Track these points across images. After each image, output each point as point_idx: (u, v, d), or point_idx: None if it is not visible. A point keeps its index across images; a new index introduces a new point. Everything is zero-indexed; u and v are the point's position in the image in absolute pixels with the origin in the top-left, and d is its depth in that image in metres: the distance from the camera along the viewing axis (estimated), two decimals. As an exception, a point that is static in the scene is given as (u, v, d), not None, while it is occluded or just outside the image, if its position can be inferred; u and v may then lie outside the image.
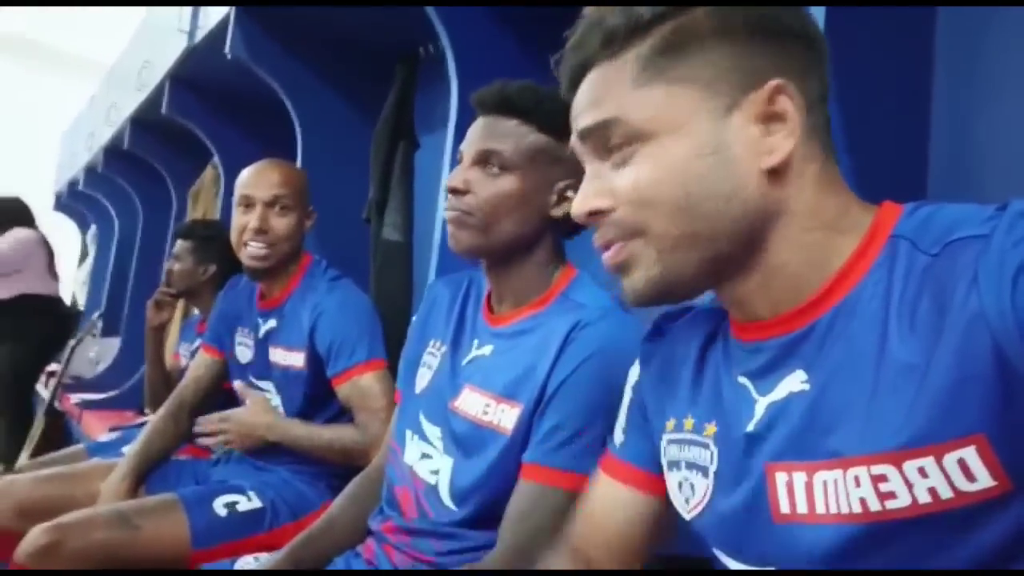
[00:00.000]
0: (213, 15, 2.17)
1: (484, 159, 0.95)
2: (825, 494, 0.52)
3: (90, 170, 4.26)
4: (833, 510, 0.51)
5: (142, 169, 3.59)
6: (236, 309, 1.63)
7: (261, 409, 1.47)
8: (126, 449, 1.68)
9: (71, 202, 5.14)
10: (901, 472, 0.48)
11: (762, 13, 0.56)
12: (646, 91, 0.56)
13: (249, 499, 1.41)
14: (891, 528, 0.49)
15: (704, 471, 0.62)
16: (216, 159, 2.76)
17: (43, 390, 3.65)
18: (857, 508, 0.50)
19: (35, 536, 1.21)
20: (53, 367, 3.65)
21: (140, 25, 3.24)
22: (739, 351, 0.60)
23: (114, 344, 3.72)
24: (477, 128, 0.97)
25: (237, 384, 1.55)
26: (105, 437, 2.16)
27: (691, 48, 0.55)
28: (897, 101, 1.02)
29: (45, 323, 3.89)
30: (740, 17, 0.55)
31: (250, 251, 1.45)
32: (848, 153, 0.86)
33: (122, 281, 3.92)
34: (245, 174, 1.50)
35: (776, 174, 0.54)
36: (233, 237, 1.48)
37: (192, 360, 2.09)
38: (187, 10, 2.39)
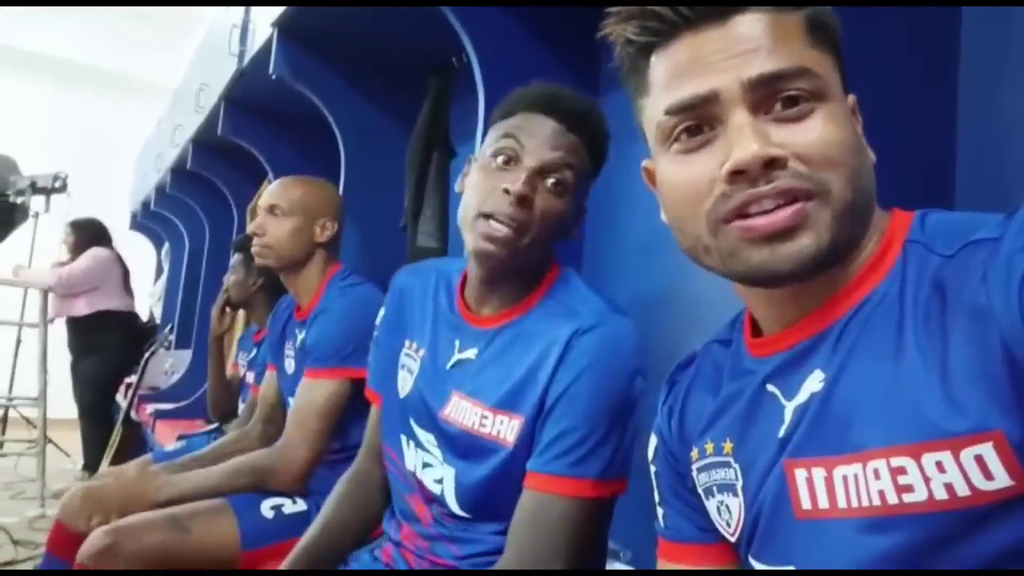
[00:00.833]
0: (259, 36, 2.25)
1: (551, 170, 0.89)
2: (845, 488, 0.52)
3: (160, 190, 4.45)
4: (854, 504, 0.52)
5: (205, 187, 3.74)
6: (282, 324, 1.73)
7: (145, 475, 1.46)
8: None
9: (145, 221, 5.39)
10: (919, 465, 0.48)
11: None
12: (818, 53, 0.55)
13: (294, 502, 1.47)
14: (906, 523, 0.49)
15: (732, 489, 0.62)
16: (271, 175, 2.86)
17: (122, 401, 3.83)
18: (876, 501, 0.50)
19: (94, 539, 1.28)
20: (131, 379, 3.83)
21: (197, 49, 3.38)
22: (761, 365, 0.61)
23: (186, 356, 3.88)
24: (548, 132, 0.90)
25: None
26: (172, 446, 2.27)
27: (831, 29, 0.56)
28: (923, 104, 0.99)
29: (122, 337, 4.11)
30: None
31: (253, 252, 1.61)
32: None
33: (192, 295, 4.09)
34: None
35: None
36: None
37: (247, 371, 2.19)
38: (236, 33, 2.48)
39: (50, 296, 3.77)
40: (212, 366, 2.42)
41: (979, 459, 0.46)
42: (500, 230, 0.88)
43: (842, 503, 0.52)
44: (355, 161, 2.15)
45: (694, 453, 0.67)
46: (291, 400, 1.65)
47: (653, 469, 0.74)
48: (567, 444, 0.87)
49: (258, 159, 2.78)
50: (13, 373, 4.40)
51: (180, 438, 2.38)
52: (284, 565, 1.06)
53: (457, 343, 0.99)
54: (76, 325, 4.08)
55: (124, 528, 1.30)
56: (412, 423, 1.02)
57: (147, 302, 5.31)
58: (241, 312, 2.55)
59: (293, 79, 2.07)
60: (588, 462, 0.86)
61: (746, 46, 0.53)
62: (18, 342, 4.47)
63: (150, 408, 3.32)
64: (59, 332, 4.04)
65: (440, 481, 0.97)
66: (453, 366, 0.98)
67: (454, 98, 2.01)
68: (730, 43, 0.54)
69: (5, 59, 5.99)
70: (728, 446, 0.62)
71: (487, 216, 0.89)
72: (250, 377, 2.15)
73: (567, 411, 0.87)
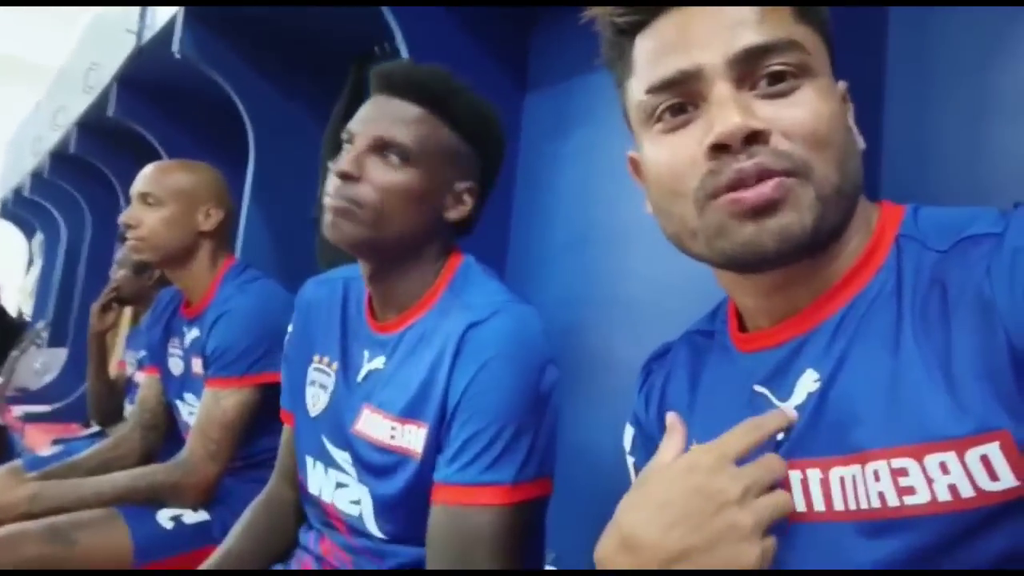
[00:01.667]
0: (161, 15, 2.11)
1: (382, 146, 0.86)
2: (843, 490, 0.51)
3: (36, 176, 4.12)
4: (852, 506, 0.50)
5: (89, 173, 3.48)
6: (166, 321, 1.60)
7: (14, 483, 1.31)
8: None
9: (17, 209, 4.98)
10: (922, 466, 0.47)
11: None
12: (805, 28, 0.53)
13: (195, 511, 1.36)
14: (907, 526, 0.48)
15: None
16: (167, 163, 2.69)
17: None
18: (876, 503, 0.49)
19: (-38, 553, 1.14)
20: (-4, 379, 3.52)
21: (87, 27, 3.15)
22: (748, 361, 0.59)
23: (61, 354, 3.60)
24: (376, 109, 0.88)
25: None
26: (47, 451, 2.08)
27: (820, 11, 0.55)
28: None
29: (-13, 334, 3.77)
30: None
31: (127, 246, 1.49)
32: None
33: (69, 289, 3.80)
34: None
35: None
36: None
37: (137, 370, 2.04)
38: (135, 10, 2.32)
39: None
40: (92, 366, 2.23)
41: (984, 459, 0.45)
42: (332, 209, 0.86)
43: (839, 505, 0.51)
44: (265, 148, 2.04)
45: None
46: (178, 404, 1.54)
47: (631, 460, 0.71)
48: (476, 449, 0.80)
49: (153, 144, 2.60)
50: None
51: (56, 442, 2.19)
52: None
53: (366, 353, 0.93)
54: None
55: (-2, 540, 1.17)
56: (325, 442, 0.95)
57: (15, 297, 4.91)
58: (127, 308, 2.38)
59: (200, 59, 1.94)
60: (501, 465, 0.80)
61: (732, 21, 0.52)
62: None
63: (18, 410, 3.05)
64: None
65: (357, 502, 0.91)
66: (364, 378, 0.93)
67: (373, 89, 1.95)
68: (716, 19, 0.53)
69: None
70: None
71: (325, 204, 0.88)
72: (140, 377, 2.00)
73: (471, 413, 0.81)
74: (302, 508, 1.04)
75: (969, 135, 0.94)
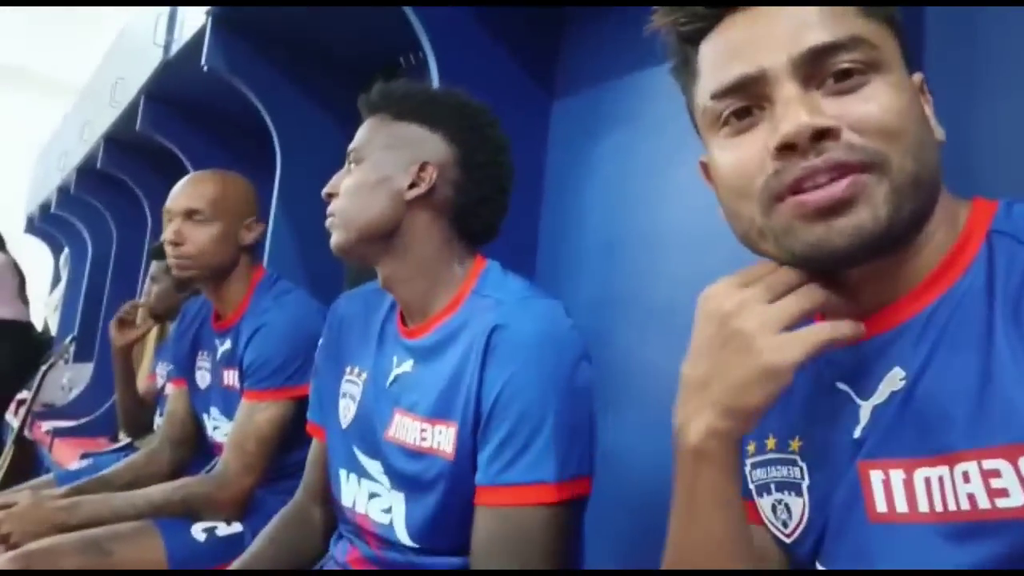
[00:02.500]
0: (188, 27, 2.13)
1: (348, 159, 0.95)
2: (928, 492, 0.50)
3: (63, 191, 4.17)
4: (938, 508, 0.49)
5: (117, 188, 3.51)
6: (194, 333, 1.60)
7: (50, 497, 1.35)
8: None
9: (44, 225, 5.04)
10: (1015, 468, 0.45)
11: None
12: (872, 22, 0.53)
13: (228, 524, 1.35)
14: (997, 529, 0.46)
15: (796, 488, 0.59)
16: (192, 176, 2.70)
17: (12, 419, 3.54)
18: (965, 505, 0.47)
19: (1, 566, 1.14)
20: (23, 395, 3.55)
21: (114, 42, 3.19)
22: (828, 358, 0.57)
23: (87, 370, 3.62)
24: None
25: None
26: (76, 465, 2.08)
27: (888, 6, 0.54)
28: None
29: (15, 349, 3.81)
30: None
31: (171, 263, 1.45)
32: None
33: (95, 304, 3.82)
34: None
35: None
36: None
37: (168, 382, 2.04)
38: (163, 23, 2.34)
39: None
40: (119, 380, 2.24)
41: None
42: (328, 224, 0.95)
43: (923, 507, 0.50)
44: (292, 162, 2.04)
45: (751, 447, 0.63)
46: (205, 418, 1.54)
47: None
48: (515, 449, 0.80)
49: (179, 158, 2.63)
50: None
51: (84, 456, 2.19)
52: None
53: (395, 359, 0.95)
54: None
55: (36, 552, 1.17)
56: (356, 452, 0.96)
57: (42, 312, 4.97)
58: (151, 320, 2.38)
59: (228, 72, 1.95)
60: (544, 465, 0.79)
61: (795, 23, 0.52)
62: None
63: (47, 425, 3.07)
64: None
65: (388, 511, 0.91)
66: (392, 382, 0.93)
67: (400, 100, 1.94)
68: (778, 21, 0.52)
69: None
70: (796, 444, 0.59)
71: None
72: (169, 389, 2.00)
73: (507, 413, 0.81)
74: (327, 525, 1.05)
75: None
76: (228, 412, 1.47)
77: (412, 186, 0.91)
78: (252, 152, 2.40)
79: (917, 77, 0.56)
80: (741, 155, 0.53)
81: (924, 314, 0.53)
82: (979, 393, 0.48)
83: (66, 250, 5.07)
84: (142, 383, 2.33)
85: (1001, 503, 0.46)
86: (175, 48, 2.23)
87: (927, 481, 0.50)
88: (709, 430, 0.52)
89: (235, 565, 1.03)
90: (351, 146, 0.96)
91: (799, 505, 0.59)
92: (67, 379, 3.89)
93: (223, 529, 1.34)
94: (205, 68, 1.96)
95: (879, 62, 0.51)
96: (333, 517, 1.05)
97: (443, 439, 0.86)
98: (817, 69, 0.51)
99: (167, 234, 1.45)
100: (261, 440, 1.34)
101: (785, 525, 0.61)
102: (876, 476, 0.52)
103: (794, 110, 0.50)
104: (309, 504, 1.08)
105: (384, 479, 0.92)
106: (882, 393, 0.54)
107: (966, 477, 0.47)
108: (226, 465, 1.34)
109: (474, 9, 1.48)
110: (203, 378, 1.56)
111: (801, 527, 0.59)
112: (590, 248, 1.47)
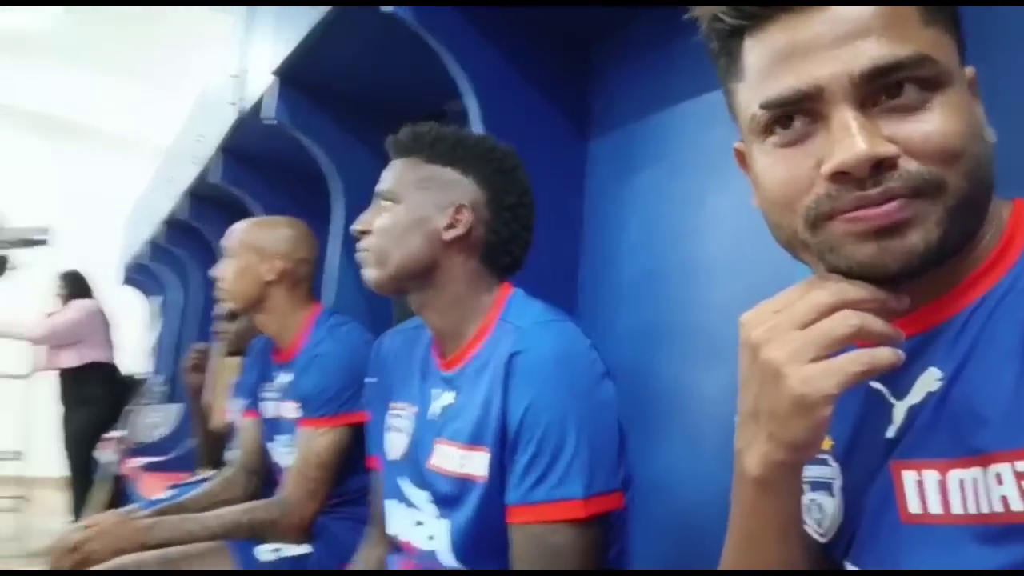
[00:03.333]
0: (255, 86, 2.28)
1: (377, 198, 1.00)
2: (962, 493, 0.49)
3: (153, 243, 4.44)
4: (972, 510, 0.48)
5: (198, 239, 3.73)
6: (259, 367, 1.71)
7: (133, 519, 1.44)
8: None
9: (136, 275, 5.36)
10: None
11: None
12: (936, 32, 0.49)
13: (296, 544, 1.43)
14: None
15: (828, 488, 0.59)
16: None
17: (101, 454, 3.73)
18: (998, 507, 0.46)
19: (81, 581, 1.24)
20: (115, 433, 3.76)
21: (195, 102, 3.42)
22: None
23: (175, 410, 3.80)
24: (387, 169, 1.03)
25: None
26: (162, 495, 2.21)
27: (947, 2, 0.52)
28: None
29: (108, 389, 4.06)
30: None
31: (217, 295, 1.64)
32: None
33: (182, 349, 4.04)
34: None
35: None
36: None
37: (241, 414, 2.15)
38: (236, 83, 2.51)
39: (38, 347, 3.74)
40: (194, 418, 2.38)
41: None
42: (360, 259, 1.01)
43: (957, 508, 0.49)
44: (351, 209, 2.15)
45: None
46: (270, 446, 1.63)
47: None
48: (540, 468, 0.84)
49: (252, 208, 2.79)
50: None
51: (171, 487, 2.32)
52: None
53: (435, 392, 1.00)
54: (66, 377, 4.03)
55: (113, 572, 1.27)
56: (405, 483, 1.01)
57: (135, 357, 5.25)
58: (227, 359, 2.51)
59: (292, 126, 2.09)
60: (569, 482, 0.83)
61: (852, 28, 0.48)
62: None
63: (135, 461, 3.24)
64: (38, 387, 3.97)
65: (432, 538, 0.95)
66: (435, 414, 0.98)
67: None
68: (834, 25, 0.48)
69: None
70: (828, 443, 0.58)
71: None
72: (241, 421, 2.11)
73: (531, 435, 0.85)
74: None
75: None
76: (292, 441, 1.56)
77: (449, 227, 0.97)
78: (316, 201, 2.53)
79: (969, 71, 0.53)
80: (790, 170, 0.51)
81: (963, 315, 0.52)
82: (1015, 395, 0.46)
83: (158, 297, 5.36)
84: (217, 418, 2.46)
85: None
86: (245, 105, 2.39)
87: (961, 483, 0.49)
88: (766, 460, 0.50)
89: None
90: (381, 186, 1.01)
91: (832, 505, 0.58)
92: (154, 418, 4.09)
93: (289, 550, 1.42)
94: (275, 122, 2.09)
95: (942, 79, 0.48)
96: None
97: (477, 464, 0.90)
98: (876, 87, 0.48)
99: (211, 270, 1.65)
100: (321, 466, 1.41)
101: (819, 525, 0.60)
102: (910, 476, 0.52)
103: (852, 136, 0.47)
104: (381, 536, 1.12)
105: (430, 507, 0.97)
106: (917, 393, 0.53)
107: (999, 479, 0.46)
108: (289, 492, 1.42)
109: (510, 51, 1.55)
110: (267, 409, 1.66)
111: (834, 527, 0.58)
112: (631, 281, 1.50)
